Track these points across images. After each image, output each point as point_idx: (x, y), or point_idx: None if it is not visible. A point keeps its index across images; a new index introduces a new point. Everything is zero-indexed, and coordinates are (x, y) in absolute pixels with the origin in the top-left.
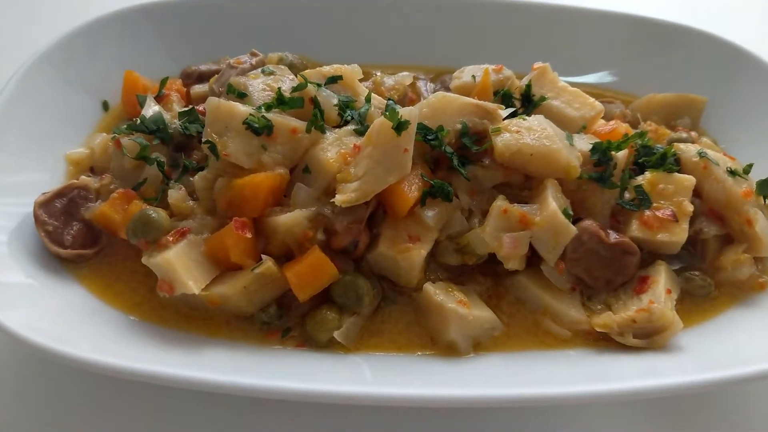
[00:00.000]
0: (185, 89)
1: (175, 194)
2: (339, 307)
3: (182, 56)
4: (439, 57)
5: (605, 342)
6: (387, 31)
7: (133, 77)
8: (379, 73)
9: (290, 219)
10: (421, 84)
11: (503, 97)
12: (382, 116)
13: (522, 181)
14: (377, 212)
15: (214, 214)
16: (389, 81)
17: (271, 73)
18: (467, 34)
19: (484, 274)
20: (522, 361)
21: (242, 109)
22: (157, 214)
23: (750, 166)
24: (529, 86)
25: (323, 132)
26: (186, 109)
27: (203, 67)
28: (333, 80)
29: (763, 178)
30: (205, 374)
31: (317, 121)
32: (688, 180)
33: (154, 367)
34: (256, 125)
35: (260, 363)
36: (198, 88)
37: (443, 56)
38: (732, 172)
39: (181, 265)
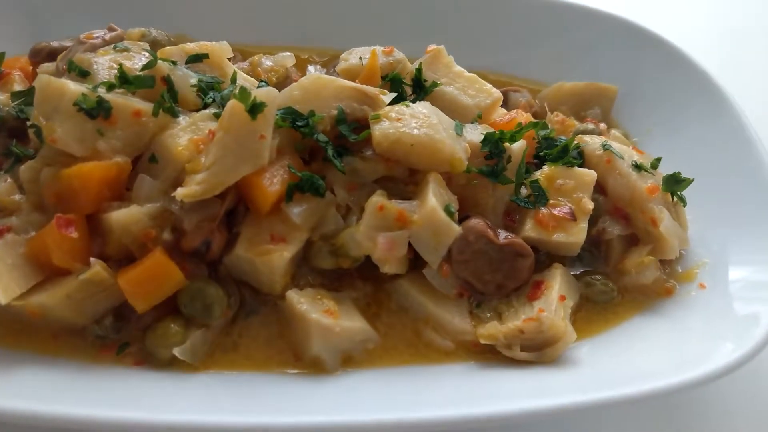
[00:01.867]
0: (32, 68)
1: None
2: (186, 319)
3: (41, 32)
4: (336, 39)
5: (493, 355)
6: (280, 9)
7: None
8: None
9: (126, 216)
10: (312, 68)
11: (392, 81)
12: (233, 98)
13: (407, 175)
14: (239, 209)
15: (43, 210)
16: (268, 62)
17: (125, 50)
18: (364, 13)
19: (363, 279)
20: (399, 378)
21: (74, 87)
22: None
23: (658, 160)
24: (419, 70)
25: (174, 116)
26: (22, 89)
27: (55, 44)
28: (197, 58)
29: (671, 173)
30: (5, 401)
31: (164, 102)
32: (589, 175)
33: None
34: (86, 106)
35: (86, 385)
36: (46, 67)
37: (340, 38)
38: (638, 167)
39: None
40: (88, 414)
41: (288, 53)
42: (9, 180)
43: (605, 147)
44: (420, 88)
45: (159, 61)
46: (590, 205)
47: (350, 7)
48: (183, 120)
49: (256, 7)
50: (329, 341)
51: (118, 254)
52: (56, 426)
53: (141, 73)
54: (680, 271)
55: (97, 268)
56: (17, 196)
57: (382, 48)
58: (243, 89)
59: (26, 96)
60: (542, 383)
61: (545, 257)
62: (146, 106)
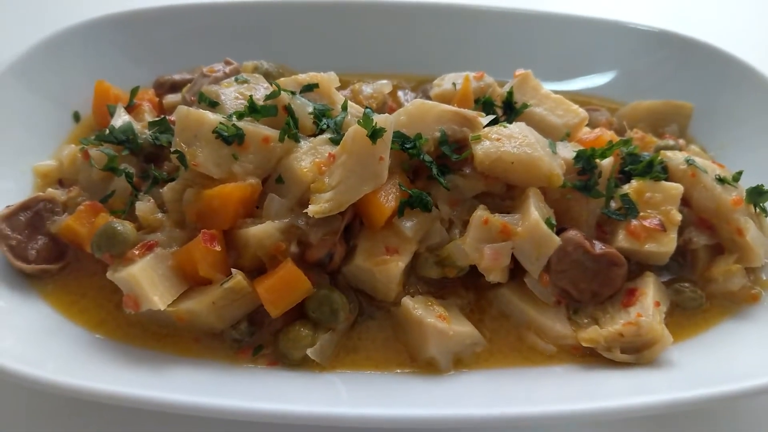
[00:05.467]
0: (158, 99)
1: (143, 206)
2: (313, 323)
3: (157, 66)
4: (421, 65)
5: (592, 357)
6: (368, 39)
7: (104, 87)
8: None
9: (261, 231)
10: (401, 93)
11: (484, 104)
12: (357, 124)
13: (504, 191)
14: (354, 223)
15: (183, 226)
16: (368, 89)
17: (245, 82)
18: (449, 41)
19: (466, 288)
20: (505, 378)
21: (212, 117)
22: (123, 226)
23: (739, 173)
24: (510, 93)
25: (297, 141)
26: (157, 119)
27: (176, 77)
28: (309, 88)
29: (753, 185)
30: (168, 395)
31: (290, 129)
32: (676, 188)
33: (114, 387)
34: (226, 134)
35: (229, 383)
36: (171, 98)
37: (425, 64)
38: (721, 180)
39: (146, 280)
40: (238, 405)
41: (385, 81)
42: (151, 200)
43: (689, 162)
44: (511, 110)
45: (281, 92)
46: (679, 217)
47: (435, 36)
48: (304, 144)
49: (346, 37)
50: (443, 344)
51: (251, 265)
52: (211, 415)
53: (265, 102)
54: (764, 278)
55: (239, 277)
56: (159, 215)
57: (473, 73)
58: (366, 116)
59: (159, 125)
60: (642, 382)
61: (635, 266)
62: (273, 133)
